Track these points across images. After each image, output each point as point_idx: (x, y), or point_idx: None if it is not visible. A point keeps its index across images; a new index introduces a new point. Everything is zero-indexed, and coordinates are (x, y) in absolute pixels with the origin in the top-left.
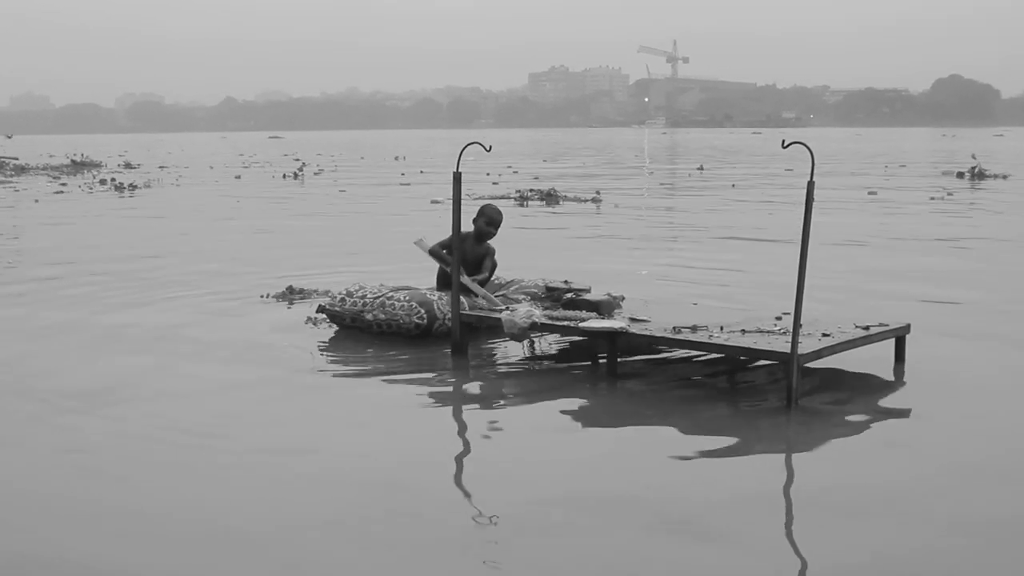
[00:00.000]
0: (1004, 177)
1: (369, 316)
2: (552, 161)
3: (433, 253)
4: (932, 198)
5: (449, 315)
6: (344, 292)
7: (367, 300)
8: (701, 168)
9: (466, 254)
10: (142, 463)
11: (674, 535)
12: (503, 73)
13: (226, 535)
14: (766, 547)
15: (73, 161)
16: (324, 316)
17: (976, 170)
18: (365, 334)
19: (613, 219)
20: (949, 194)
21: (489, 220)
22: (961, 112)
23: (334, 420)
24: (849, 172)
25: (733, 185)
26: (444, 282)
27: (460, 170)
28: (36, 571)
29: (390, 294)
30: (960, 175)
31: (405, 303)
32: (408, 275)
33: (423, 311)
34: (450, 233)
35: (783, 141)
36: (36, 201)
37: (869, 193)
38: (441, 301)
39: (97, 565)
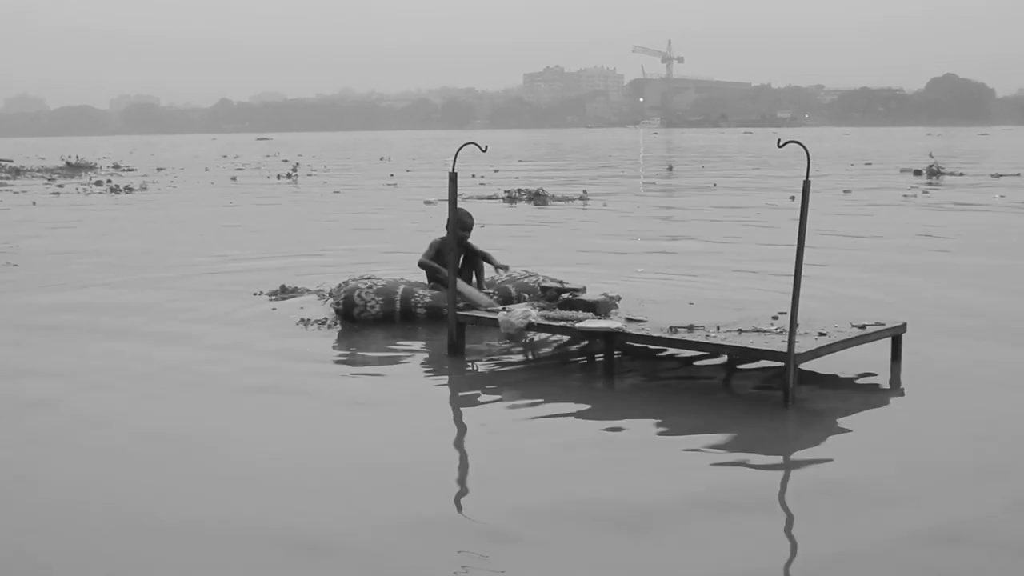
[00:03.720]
0: (960, 174)
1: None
2: (529, 162)
3: (423, 266)
4: (905, 196)
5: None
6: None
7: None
8: (670, 168)
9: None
10: (130, 466)
11: (669, 533)
12: (498, 74)
13: (238, 532)
14: (762, 545)
15: (68, 163)
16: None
17: (933, 168)
18: (359, 333)
19: (602, 218)
20: (925, 192)
21: (462, 225)
22: (956, 111)
23: (328, 419)
24: (815, 170)
25: (715, 184)
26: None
27: (450, 170)
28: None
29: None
30: (917, 173)
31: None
32: (403, 273)
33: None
34: (434, 237)
35: (779, 140)
36: (34, 203)
37: (844, 192)
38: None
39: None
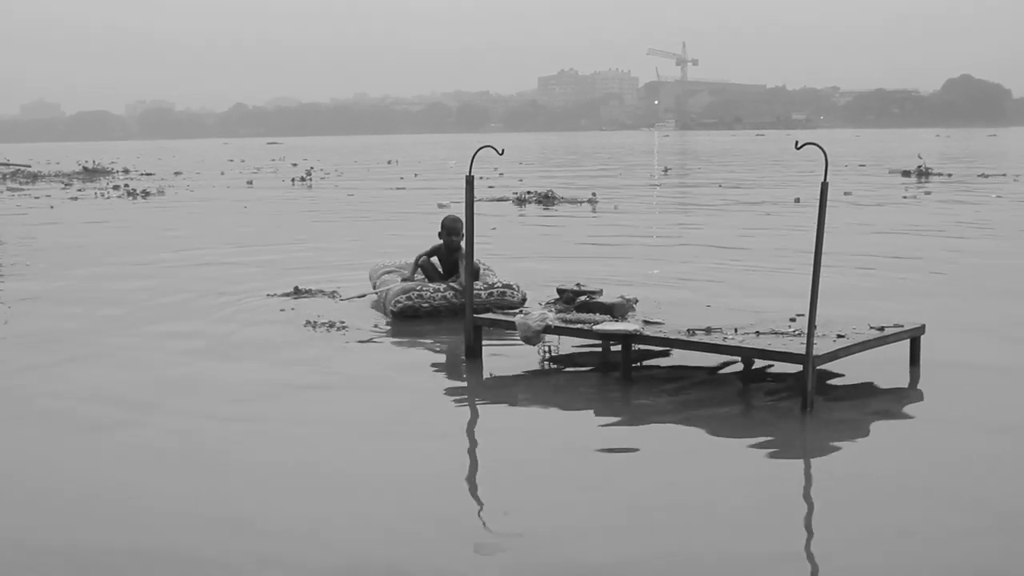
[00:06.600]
0: (948, 175)
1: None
2: (534, 165)
3: (421, 266)
4: (904, 196)
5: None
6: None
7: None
8: (666, 170)
9: (443, 262)
10: (158, 461)
11: (687, 537)
12: (512, 77)
13: (249, 529)
14: (782, 549)
15: (85, 168)
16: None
17: (922, 169)
18: (371, 335)
19: (614, 221)
20: (927, 193)
21: (450, 231)
22: (971, 112)
23: (346, 422)
24: (811, 172)
25: (720, 185)
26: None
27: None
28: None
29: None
30: (906, 174)
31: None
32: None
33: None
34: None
35: (796, 142)
36: (51, 208)
37: (845, 194)
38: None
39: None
